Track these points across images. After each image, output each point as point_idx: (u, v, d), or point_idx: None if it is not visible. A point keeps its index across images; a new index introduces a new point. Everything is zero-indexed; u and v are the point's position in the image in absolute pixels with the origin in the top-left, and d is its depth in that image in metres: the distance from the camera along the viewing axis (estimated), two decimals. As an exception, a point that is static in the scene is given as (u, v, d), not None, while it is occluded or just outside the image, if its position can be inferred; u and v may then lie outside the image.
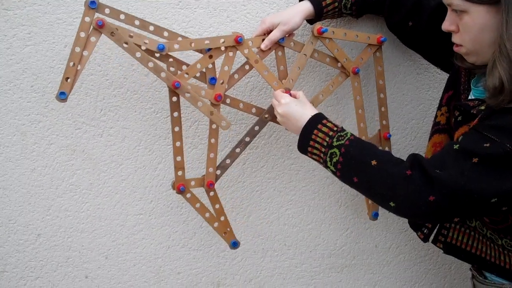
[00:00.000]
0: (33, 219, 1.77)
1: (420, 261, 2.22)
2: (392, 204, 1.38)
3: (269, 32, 1.67)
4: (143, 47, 1.55)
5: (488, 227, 1.54)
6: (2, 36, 1.61)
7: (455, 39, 1.46)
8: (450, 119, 1.61)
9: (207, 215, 1.76)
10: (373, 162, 1.41)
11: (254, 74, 1.82)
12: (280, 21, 1.65)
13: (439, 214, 1.36)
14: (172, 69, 1.60)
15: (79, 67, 1.52)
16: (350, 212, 2.07)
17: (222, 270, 1.98)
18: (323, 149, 1.50)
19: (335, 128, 1.50)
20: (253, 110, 1.73)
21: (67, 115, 1.71)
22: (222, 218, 1.78)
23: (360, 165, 1.43)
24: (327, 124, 1.52)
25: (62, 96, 1.51)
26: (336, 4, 1.69)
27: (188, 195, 1.73)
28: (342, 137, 1.47)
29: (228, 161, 1.76)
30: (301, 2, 1.70)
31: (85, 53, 1.51)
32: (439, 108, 1.67)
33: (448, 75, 1.70)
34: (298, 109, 1.57)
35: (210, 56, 1.63)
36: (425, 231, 1.71)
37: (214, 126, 1.68)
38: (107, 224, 1.84)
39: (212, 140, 1.70)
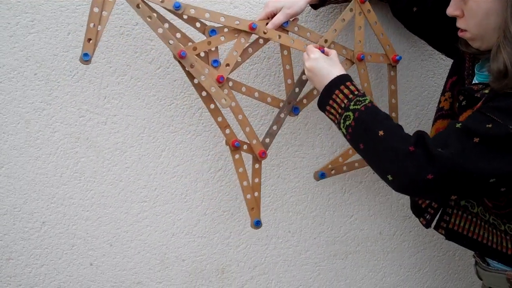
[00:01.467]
0: (38, 207, 1.78)
1: (424, 248, 2.23)
2: (390, 177, 1.38)
3: (272, 16, 1.66)
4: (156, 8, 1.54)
5: (491, 212, 1.54)
6: (5, 24, 1.61)
7: (459, 24, 1.46)
8: (454, 105, 1.60)
9: (245, 183, 1.75)
10: (380, 133, 1.40)
11: (258, 61, 1.82)
12: (283, 4, 1.64)
13: (436, 192, 1.37)
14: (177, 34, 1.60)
15: (99, 28, 1.50)
16: (354, 199, 2.07)
17: (226, 257, 1.99)
18: (339, 110, 1.50)
19: (356, 92, 1.50)
20: (256, 94, 1.72)
21: (71, 103, 1.71)
22: (256, 194, 1.77)
23: (368, 133, 1.43)
24: (350, 87, 1.51)
25: (86, 57, 1.50)
26: (341, -11, 1.69)
27: (237, 156, 1.72)
28: (360, 102, 1.47)
29: (275, 127, 1.75)
30: (306, -14, 1.69)
31: (104, 13, 1.50)
32: (442, 94, 1.67)
33: (452, 61, 1.70)
34: (326, 66, 1.56)
35: (222, 37, 1.62)
36: (427, 217, 1.71)
37: (233, 104, 1.68)
38: (112, 211, 1.84)
39: (240, 117, 1.69)
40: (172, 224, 1.91)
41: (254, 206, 1.77)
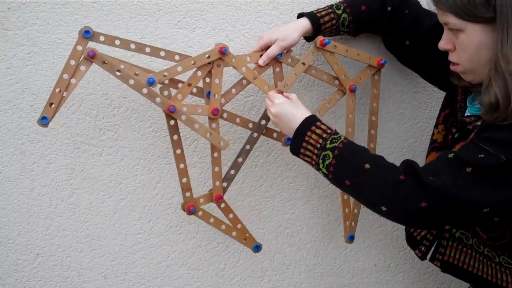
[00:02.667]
0: (32, 239, 1.77)
1: (419, 280, 2.22)
2: (383, 208, 1.39)
3: (267, 48, 1.68)
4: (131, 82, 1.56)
5: (486, 244, 1.55)
6: (2, 56, 1.62)
7: (451, 57, 1.48)
8: (447, 137, 1.61)
9: (223, 227, 1.76)
10: (366, 166, 1.41)
11: (252, 93, 1.83)
12: (278, 37, 1.66)
13: (430, 221, 1.37)
14: (165, 93, 1.60)
15: (65, 94, 1.52)
16: (349, 230, 2.07)
17: (221, 289, 1.98)
18: (316, 151, 1.50)
19: (328, 131, 1.51)
20: (250, 125, 1.73)
21: (66, 135, 1.72)
22: (239, 226, 1.78)
23: (353, 168, 1.43)
24: (321, 126, 1.52)
25: (44, 121, 1.52)
26: (334, 21, 1.70)
27: (200, 213, 1.73)
28: (336, 140, 1.48)
29: (232, 171, 1.76)
30: (299, 18, 1.71)
31: (73, 80, 1.52)
32: (436, 126, 1.68)
33: (445, 93, 1.71)
34: (291, 109, 1.57)
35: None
36: (422, 249, 1.72)
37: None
38: (106, 243, 1.84)
39: (215, 154, 1.70)
40: (167, 256, 1.90)
41: (244, 237, 1.80)
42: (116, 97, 1.73)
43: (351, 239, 1.84)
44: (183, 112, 1.60)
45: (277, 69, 1.71)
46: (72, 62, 1.51)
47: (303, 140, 1.52)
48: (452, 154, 1.37)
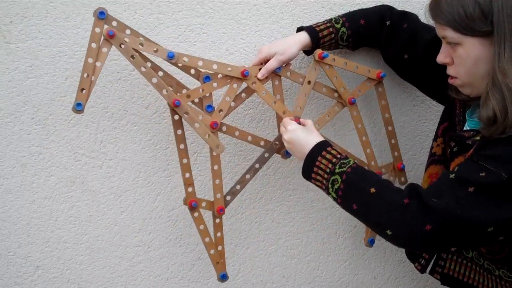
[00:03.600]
0: (32, 251, 1.78)
1: (419, 293, 2.23)
2: (388, 232, 1.39)
3: (266, 61, 1.69)
4: (153, 55, 1.58)
5: (485, 257, 1.55)
6: (4, 69, 1.63)
7: (449, 71, 1.49)
8: (446, 150, 1.62)
9: (207, 239, 1.76)
10: (372, 190, 1.42)
11: (252, 106, 1.85)
12: (277, 51, 1.67)
13: (435, 243, 1.37)
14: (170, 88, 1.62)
15: (93, 78, 1.53)
16: (348, 243, 2.08)
17: (220, 302, 1.98)
18: (325, 176, 1.51)
19: (338, 156, 1.52)
20: (249, 138, 1.74)
21: (67, 147, 1.73)
22: (220, 248, 1.78)
23: (359, 192, 1.44)
24: (331, 152, 1.53)
25: (79, 107, 1.53)
26: (333, 35, 1.72)
27: (196, 214, 1.73)
28: (345, 165, 1.49)
29: (238, 187, 1.77)
30: (298, 32, 1.72)
31: (98, 64, 1.53)
32: (434, 139, 1.69)
33: (443, 107, 1.72)
34: (304, 136, 1.59)
35: (215, 84, 1.65)
36: (422, 262, 1.72)
37: (215, 153, 1.69)
38: (106, 256, 1.84)
39: (215, 167, 1.71)
40: (167, 268, 1.90)
41: (218, 260, 1.78)
42: (116, 110, 1.74)
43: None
44: (186, 109, 1.61)
45: (276, 83, 1.72)
46: (94, 45, 1.52)
47: (314, 165, 1.54)
48: (454, 175, 1.38)
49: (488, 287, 1.58)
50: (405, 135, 2.04)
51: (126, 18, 1.68)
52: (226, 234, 1.92)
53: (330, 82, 1.77)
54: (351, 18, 1.74)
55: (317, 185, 1.57)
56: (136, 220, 1.84)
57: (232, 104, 1.70)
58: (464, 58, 1.42)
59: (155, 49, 1.58)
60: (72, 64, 1.67)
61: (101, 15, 1.52)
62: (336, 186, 1.49)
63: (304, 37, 1.70)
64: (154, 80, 1.58)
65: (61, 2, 1.63)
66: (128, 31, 1.57)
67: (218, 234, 1.77)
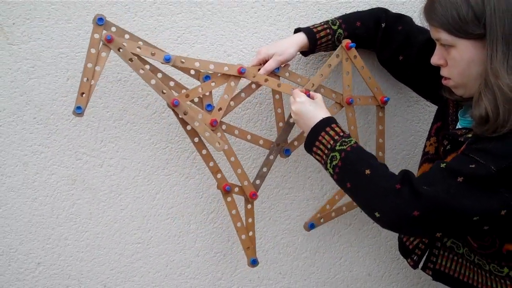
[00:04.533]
0: (34, 248, 1.80)
1: (412, 290, 2.26)
2: (377, 214, 1.42)
3: (264, 62, 1.72)
4: (150, 59, 1.62)
5: (476, 252, 1.58)
6: (7, 69, 1.66)
7: (443, 72, 1.52)
8: (439, 149, 1.65)
9: (238, 224, 1.79)
10: (367, 172, 1.45)
11: (250, 106, 1.88)
12: (275, 51, 1.70)
13: (421, 229, 1.41)
14: (171, 83, 1.66)
15: (92, 82, 1.57)
16: (343, 241, 2.10)
17: (218, 298, 2.02)
18: (326, 151, 1.54)
19: (341, 133, 1.55)
20: (248, 137, 1.77)
21: (68, 146, 1.75)
22: (251, 233, 1.82)
23: (355, 172, 1.47)
24: (335, 128, 1.56)
25: (78, 110, 1.57)
26: (330, 37, 1.75)
27: (229, 199, 1.77)
28: (346, 143, 1.52)
29: (265, 169, 1.81)
30: (296, 33, 1.75)
31: (97, 68, 1.57)
32: (428, 139, 1.72)
33: (437, 107, 1.76)
34: (311, 109, 1.61)
35: (213, 83, 1.68)
36: (414, 258, 1.75)
37: (226, 147, 1.73)
38: (106, 252, 1.87)
39: (232, 159, 1.75)
40: (165, 265, 1.93)
41: (249, 245, 1.81)
42: (117, 110, 1.76)
43: (310, 227, 1.88)
44: (185, 108, 1.64)
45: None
46: (93, 51, 1.56)
47: (316, 139, 1.56)
48: (445, 164, 1.42)
49: (478, 282, 1.62)
50: (399, 135, 2.07)
51: (126, 20, 1.71)
52: (224, 231, 1.95)
53: (328, 83, 1.80)
54: (348, 20, 1.77)
55: (317, 159, 1.59)
56: (135, 217, 1.87)
57: (232, 103, 1.73)
58: (458, 60, 1.45)
59: (152, 52, 1.61)
60: (74, 65, 1.69)
61: (100, 22, 1.56)
62: (334, 163, 1.52)
63: (301, 38, 1.73)
64: (153, 81, 1.61)
65: (63, 4, 1.66)
66: (127, 36, 1.61)
67: (250, 220, 1.81)
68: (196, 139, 1.70)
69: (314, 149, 1.58)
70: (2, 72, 1.66)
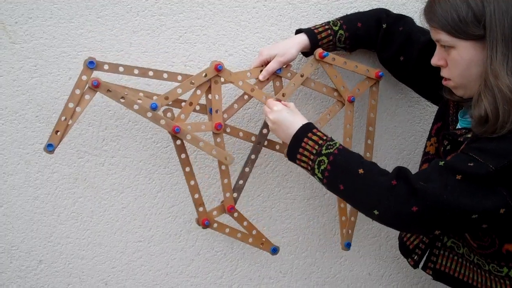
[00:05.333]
0: (35, 246, 1.81)
1: (413, 289, 2.26)
2: (375, 212, 1.43)
3: (266, 63, 1.73)
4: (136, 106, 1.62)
5: (476, 252, 1.59)
6: (9, 68, 1.67)
7: (443, 73, 1.53)
8: (439, 149, 1.66)
9: (239, 235, 1.81)
10: (360, 171, 1.45)
11: (251, 106, 1.88)
12: (277, 52, 1.71)
13: (420, 225, 1.41)
14: (169, 114, 1.65)
15: (70, 122, 1.58)
16: (344, 240, 2.11)
17: (219, 296, 2.02)
18: (311, 157, 1.54)
19: (324, 137, 1.55)
20: (253, 138, 1.78)
21: (70, 145, 1.76)
22: (254, 232, 1.83)
23: (347, 173, 1.47)
24: (317, 133, 1.56)
25: (50, 148, 1.58)
26: (331, 37, 1.75)
27: (215, 225, 1.78)
28: (331, 146, 1.52)
29: (241, 182, 1.81)
30: (297, 34, 1.76)
31: (78, 109, 1.58)
32: (428, 139, 1.73)
33: (437, 107, 1.76)
34: (289, 117, 1.62)
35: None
36: (415, 258, 1.76)
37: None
38: (107, 251, 1.88)
39: (223, 167, 1.75)
40: (166, 263, 1.94)
41: (261, 242, 1.85)
42: (118, 109, 1.77)
43: (347, 246, 1.88)
44: (187, 131, 1.65)
45: (277, 83, 1.76)
46: (77, 92, 1.57)
47: (299, 146, 1.56)
48: (443, 162, 1.42)
49: (478, 281, 1.62)
50: (400, 135, 2.07)
51: (128, 19, 1.71)
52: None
53: (330, 82, 1.81)
54: (349, 20, 1.78)
55: (302, 166, 1.59)
56: (137, 216, 1.88)
57: (235, 106, 1.74)
58: (458, 61, 1.46)
59: (139, 100, 1.62)
60: (75, 64, 1.70)
61: (91, 65, 1.57)
62: (322, 167, 1.52)
63: (303, 39, 1.74)
64: (149, 114, 1.62)
65: (65, 4, 1.67)
66: (121, 68, 1.61)
67: (245, 223, 1.82)
68: (188, 169, 1.71)
69: (298, 156, 1.57)
70: (4, 71, 1.67)
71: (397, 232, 1.96)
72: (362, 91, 1.86)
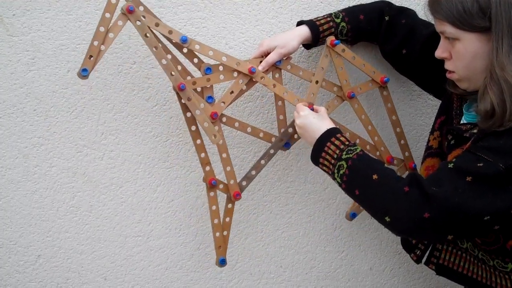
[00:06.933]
0: (34, 241, 1.80)
1: (414, 284, 2.25)
2: (387, 219, 1.41)
3: (266, 54, 1.72)
4: (166, 37, 1.60)
5: (480, 248, 1.58)
6: (7, 61, 1.65)
7: (448, 65, 1.51)
8: (443, 143, 1.65)
9: (215, 221, 1.78)
10: (374, 177, 1.44)
11: (252, 99, 1.87)
12: (277, 44, 1.69)
13: (433, 231, 1.39)
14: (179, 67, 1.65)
15: (102, 47, 1.55)
16: (345, 235, 2.10)
17: (219, 291, 2.01)
18: (332, 161, 1.54)
19: (347, 142, 1.55)
20: (249, 129, 1.76)
21: (69, 139, 1.75)
22: (225, 233, 1.81)
23: (362, 179, 1.47)
24: (340, 138, 1.56)
25: (84, 72, 1.54)
26: (333, 30, 1.74)
27: (212, 194, 1.76)
28: (352, 151, 1.51)
29: (253, 172, 1.80)
30: (299, 26, 1.74)
31: (110, 35, 1.55)
32: (431, 133, 1.71)
33: (440, 101, 1.75)
34: (315, 121, 1.62)
35: (222, 76, 1.68)
36: (417, 253, 1.75)
37: (221, 141, 1.72)
38: (106, 245, 1.86)
39: (224, 155, 1.74)
40: (166, 258, 1.93)
41: (221, 244, 1.80)
42: (118, 103, 1.76)
43: (222, 262, 1.81)
44: (190, 94, 1.63)
45: (277, 75, 1.75)
46: (107, 15, 1.53)
47: (322, 150, 1.56)
48: (452, 164, 1.40)
49: (482, 276, 1.61)
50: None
51: (127, 11, 1.69)
52: (225, 224, 1.95)
53: (328, 76, 1.79)
54: (351, 13, 1.76)
55: (324, 170, 1.59)
56: (136, 210, 1.86)
57: (232, 94, 1.72)
58: (462, 53, 1.44)
59: (169, 30, 1.60)
60: (74, 57, 1.68)
61: None
62: (341, 172, 1.51)
63: (304, 31, 1.72)
64: (164, 61, 1.60)
65: (63, -4, 1.65)
66: (141, 8, 1.59)
67: (227, 219, 1.80)
68: (193, 128, 1.70)
69: (321, 160, 1.57)
70: (2, 64, 1.65)
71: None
72: (364, 91, 1.85)
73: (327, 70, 1.78)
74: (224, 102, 1.69)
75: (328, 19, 1.74)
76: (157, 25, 1.58)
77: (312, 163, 1.62)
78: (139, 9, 1.58)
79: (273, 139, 1.80)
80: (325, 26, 1.73)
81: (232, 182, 1.77)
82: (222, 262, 1.80)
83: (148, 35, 1.57)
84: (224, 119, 1.73)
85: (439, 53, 1.51)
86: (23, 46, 1.65)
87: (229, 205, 1.79)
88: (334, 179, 1.55)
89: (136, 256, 1.90)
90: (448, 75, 1.54)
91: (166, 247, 1.92)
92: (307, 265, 2.09)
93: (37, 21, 1.65)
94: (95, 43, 1.54)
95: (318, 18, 1.74)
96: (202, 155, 1.73)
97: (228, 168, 1.75)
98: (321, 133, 1.58)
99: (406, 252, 1.80)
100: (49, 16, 1.65)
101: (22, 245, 1.79)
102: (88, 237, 1.84)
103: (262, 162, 1.79)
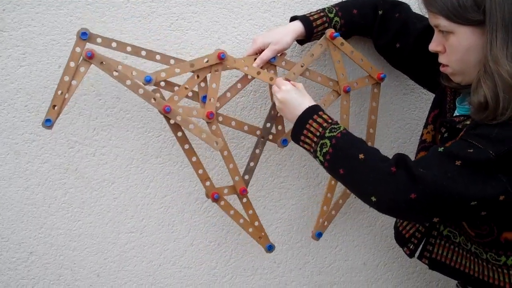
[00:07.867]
0: (26, 237, 1.79)
1: (408, 279, 2.25)
2: (373, 198, 1.42)
3: (260, 51, 1.71)
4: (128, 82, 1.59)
5: (473, 241, 1.58)
6: (-3, 56, 1.64)
7: (441, 59, 1.51)
8: (436, 137, 1.65)
9: (241, 221, 1.80)
10: (361, 156, 1.44)
11: (244, 94, 1.86)
12: (271, 40, 1.68)
13: (418, 213, 1.40)
14: (157, 95, 1.63)
15: (66, 96, 1.56)
16: (338, 230, 2.10)
17: (212, 287, 2.00)
18: (315, 139, 1.53)
19: (329, 120, 1.54)
20: (245, 127, 1.76)
21: (60, 134, 1.73)
22: (256, 223, 1.82)
23: (347, 158, 1.47)
24: (323, 116, 1.55)
25: (48, 123, 1.56)
26: (326, 25, 1.73)
27: (222, 203, 1.76)
28: (335, 129, 1.51)
29: (252, 164, 1.80)
30: (292, 22, 1.73)
31: (73, 82, 1.56)
32: (425, 127, 1.71)
33: (433, 95, 1.74)
34: (297, 97, 1.60)
35: (197, 76, 1.66)
36: (411, 247, 1.75)
37: (222, 144, 1.71)
38: (99, 242, 1.85)
39: (225, 153, 1.73)
40: (159, 254, 1.92)
41: (259, 235, 1.83)
42: (109, 98, 1.74)
43: (318, 236, 1.89)
44: (178, 112, 1.62)
45: (271, 72, 1.74)
46: (72, 64, 1.54)
47: (304, 127, 1.55)
48: (442, 148, 1.41)
49: (474, 271, 1.61)
50: (395, 123, 2.06)
51: (118, 6, 1.68)
52: (218, 220, 1.94)
53: (325, 71, 1.78)
54: (344, 7, 1.75)
55: (305, 148, 1.58)
56: (128, 206, 1.85)
57: (228, 94, 1.72)
58: (456, 47, 1.44)
59: (133, 72, 1.59)
60: (65, 52, 1.66)
61: (83, 36, 1.54)
62: (324, 150, 1.51)
63: (298, 26, 1.71)
64: (141, 91, 1.59)
65: (54, -10, 1.64)
66: (114, 44, 1.58)
67: (250, 212, 1.81)
68: (187, 146, 1.70)
69: (302, 137, 1.57)
70: (-8, 59, 1.64)
71: (393, 221, 1.96)
72: (360, 86, 1.85)
73: (316, 59, 1.77)
74: (212, 98, 1.67)
75: (322, 14, 1.73)
76: (116, 71, 1.57)
77: (292, 140, 1.62)
78: (112, 45, 1.58)
79: (270, 137, 1.80)
80: (319, 21, 1.72)
81: (237, 178, 1.77)
82: (270, 248, 1.86)
83: (116, 72, 1.57)
84: (220, 118, 1.72)
85: (432, 46, 1.51)
86: (13, 41, 1.64)
87: (244, 200, 1.80)
88: (315, 157, 1.54)
89: (129, 253, 1.89)
90: (441, 69, 1.53)
91: (159, 243, 1.91)
92: (301, 260, 2.09)
93: (28, 16, 1.63)
94: (59, 92, 1.55)
95: (311, 13, 1.73)
96: (200, 171, 1.73)
97: (231, 166, 1.75)
98: (303, 110, 1.57)
99: (400, 247, 1.80)
100: (40, 11, 1.64)
101: (14, 242, 1.78)
102: (81, 233, 1.83)
103: (257, 151, 1.80)
